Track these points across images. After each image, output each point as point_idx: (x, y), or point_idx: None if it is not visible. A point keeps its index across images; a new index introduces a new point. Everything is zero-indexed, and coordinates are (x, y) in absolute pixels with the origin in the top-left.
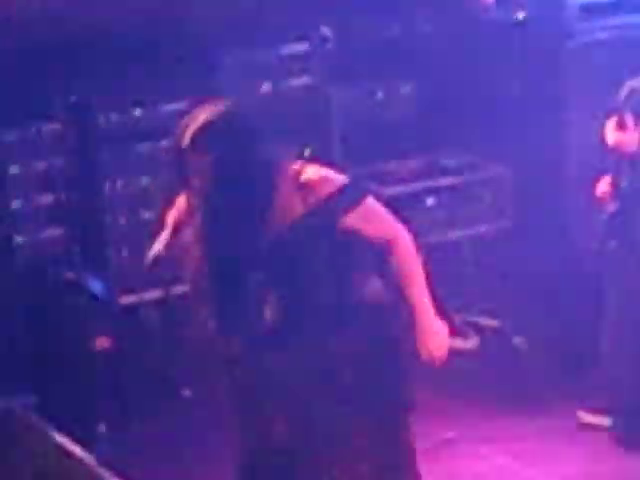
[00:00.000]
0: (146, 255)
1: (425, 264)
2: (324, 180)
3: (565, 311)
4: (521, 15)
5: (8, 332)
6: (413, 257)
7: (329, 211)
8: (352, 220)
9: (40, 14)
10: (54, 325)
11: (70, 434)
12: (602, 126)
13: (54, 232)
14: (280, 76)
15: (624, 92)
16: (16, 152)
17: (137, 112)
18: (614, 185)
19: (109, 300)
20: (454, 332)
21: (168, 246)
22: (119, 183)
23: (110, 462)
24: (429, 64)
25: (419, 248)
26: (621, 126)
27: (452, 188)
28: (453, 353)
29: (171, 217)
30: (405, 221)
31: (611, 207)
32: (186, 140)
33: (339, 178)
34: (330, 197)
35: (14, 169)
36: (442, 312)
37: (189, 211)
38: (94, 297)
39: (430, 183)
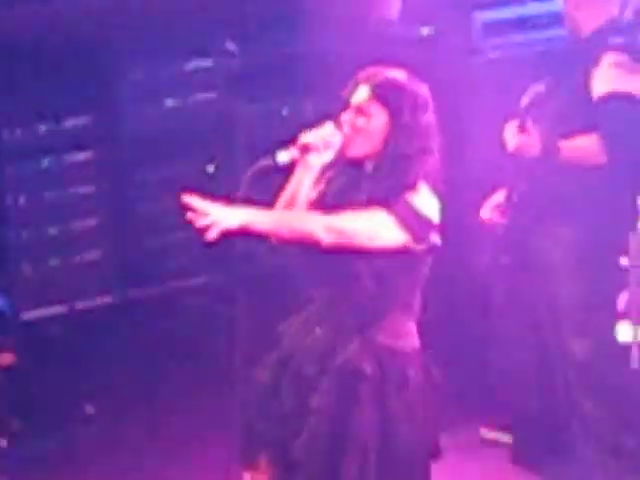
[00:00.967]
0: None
1: None
2: None
3: (467, 325)
4: (425, 31)
5: None
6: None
7: None
8: None
9: None
10: None
11: None
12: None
13: None
14: (185, 91)
15: (529, 96)
16: None
17: (41, 127)
18: (508, 199)
19: (11, 315)
20: None
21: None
22: (22, 198)
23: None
24: (332, 81)
25: None
26: (522, 130)
27: None
28: None
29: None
30: None
31: (504, 222)
32: None
33: None
34: None
35: None
36: None
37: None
38: None
39: None
